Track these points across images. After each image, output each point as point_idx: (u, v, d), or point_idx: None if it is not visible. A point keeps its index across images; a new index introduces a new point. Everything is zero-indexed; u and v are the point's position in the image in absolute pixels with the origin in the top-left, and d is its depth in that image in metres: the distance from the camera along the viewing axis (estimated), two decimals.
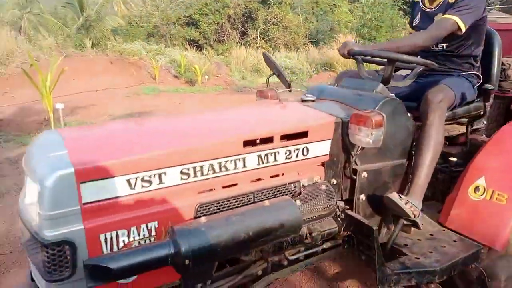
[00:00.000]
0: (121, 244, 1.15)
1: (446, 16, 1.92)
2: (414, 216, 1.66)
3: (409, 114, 1.73)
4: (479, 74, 2.14)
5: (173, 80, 11.73)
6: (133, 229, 1.16)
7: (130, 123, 1.74)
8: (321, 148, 1.53)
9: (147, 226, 1.18)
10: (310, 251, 1.61)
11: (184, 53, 12.83)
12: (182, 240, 1.10)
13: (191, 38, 16.53)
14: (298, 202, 1.41)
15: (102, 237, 1.12)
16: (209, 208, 1.30)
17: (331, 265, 2.45)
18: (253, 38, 16.67)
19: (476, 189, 1.70)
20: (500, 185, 1.66)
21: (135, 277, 1.16)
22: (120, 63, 11.39)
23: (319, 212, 1.50)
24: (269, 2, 16.69)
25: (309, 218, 1.48)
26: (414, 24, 2.26)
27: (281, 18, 16.50)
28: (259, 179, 1.42)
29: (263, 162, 1.39)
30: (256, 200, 1.39)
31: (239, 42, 16.83)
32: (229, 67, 13.40)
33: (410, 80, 1.73)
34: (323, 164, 1.58)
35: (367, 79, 1.80)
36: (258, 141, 1.37)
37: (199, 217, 1.26)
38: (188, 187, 1.26)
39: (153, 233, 1.20)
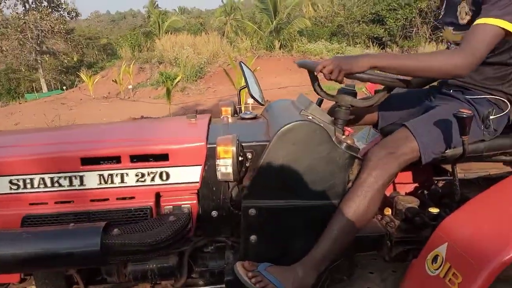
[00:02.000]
0: None
1: (483, 20, 1.27)
2: None
3: (344, 144, 1.34)
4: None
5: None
6: None
7: (15, 134, 1.95)
8: (188, 175, 1.38)
9: None
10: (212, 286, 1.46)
11: (365, 51, 12.55)
12: None
13: (375, 36, 16.02)
14: (116, 230, 1.27)
15: None
16: (36, 221, 1.33)
17: None
18: None
19: (435, 259, 1.27)
20: (459, 261, 1.20)
21: None
22: None
23: (157, 245, 1.29)
24: None
25: (137, 249, 1.28)
26: (440, 18, 1.64)
27: None
28: (104, 199, 1.38)
29: (106, 182, 1.35)
30: (95, 220, 1.35)
31: (429, 38, 15.33)
32: None
33: (370, 101, 1.41)
34: (198, 192, 1.43)
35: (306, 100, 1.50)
36: (101, 160, 1.35)
37: (26, 227, 1.33)
38: (18, 197, 1.34)
39: None
